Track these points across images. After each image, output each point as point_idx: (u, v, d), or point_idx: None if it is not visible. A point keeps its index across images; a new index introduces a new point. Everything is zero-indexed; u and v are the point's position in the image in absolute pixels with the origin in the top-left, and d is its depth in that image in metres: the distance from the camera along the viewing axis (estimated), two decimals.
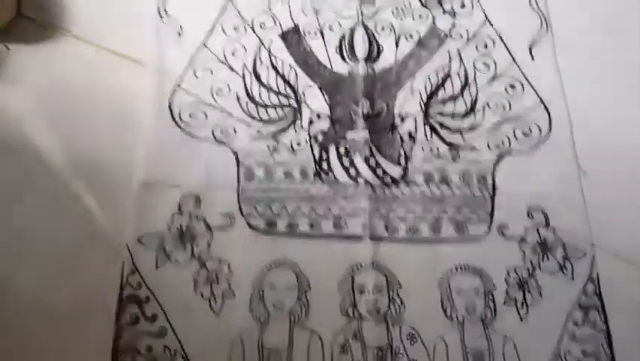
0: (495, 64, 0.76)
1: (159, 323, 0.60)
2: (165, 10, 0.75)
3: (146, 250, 0.63)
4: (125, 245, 0.63)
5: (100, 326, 0.60)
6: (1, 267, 0.61)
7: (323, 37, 0.77)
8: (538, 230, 0.68)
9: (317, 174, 0.69)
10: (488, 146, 0.72)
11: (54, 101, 0.69)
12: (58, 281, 0.62)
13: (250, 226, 0.66)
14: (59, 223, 0.64)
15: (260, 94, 0.73)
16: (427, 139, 0.72)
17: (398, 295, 0.64)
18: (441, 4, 0.79)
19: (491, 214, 0.69)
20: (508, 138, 0.73)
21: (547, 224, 0.68)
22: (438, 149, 0.71)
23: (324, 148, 0.71)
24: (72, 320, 0.60)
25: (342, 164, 0.70)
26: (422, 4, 0.79)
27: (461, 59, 0.76)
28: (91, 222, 0.64)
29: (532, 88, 0.75)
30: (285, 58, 0.75)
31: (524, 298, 0.64)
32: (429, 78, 0.75)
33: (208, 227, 0.65)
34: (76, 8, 0.74)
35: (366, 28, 0.77)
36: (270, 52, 0.75)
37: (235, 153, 0.69)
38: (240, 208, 0.67)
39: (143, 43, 0.73)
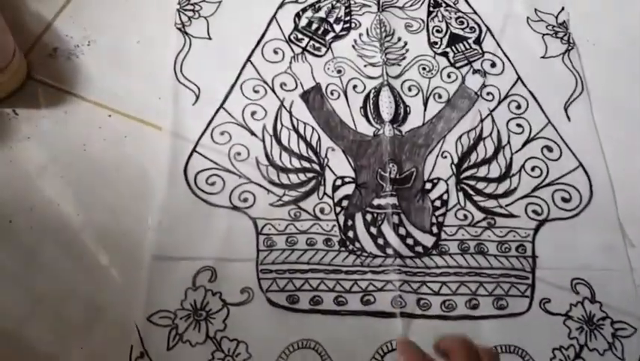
0: (530, 125, 0.74)
1: None
2: (182, 72, 0.74)
3: (157, 330, 0.60)
4: (134, 324, 0.60)
5: None
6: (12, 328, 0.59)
7: (347, 98, 0.75)
8: (583, 305, 0.64)
9: (342, 242, 0.67)
10: (526, 212, 0.69)
11: (65, 167, 0.67)
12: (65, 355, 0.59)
13: (270, 302, 0.63)
14: (71, 289, 0.62)
15: (281, 158, 0.71)
16: (460, 205, 0.69)
17: None
18: (470, 64, 0.78)
19: (532, 288, 0.65)
20: (547, 204, 0.70)
21: (594, 298, 0.65)
22: (472, 216, 0.69)
23: (349, 215, 0.68)
24: None
25: (369, 232, 0.67)
26: (450, 64, 0.78)
27: (493, 120, 0.74)
28: (99, 298, 0.61)
29: (570, 150, 0.73)
30: (306, 119, 0.74)
31: None
32: (460, 140, 0.73)
33: (224, 303, 0.62)
34: (89, 71, 0.73)
35: (391, 88, 0.76)
36: (291, 113, 0.74)
37: (254, 221, 0.67)
38: (259, 282, 0.64)
39: (159, 106, 0.72)
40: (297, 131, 0.73)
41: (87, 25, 0.77)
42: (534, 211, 0.69)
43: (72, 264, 0.63)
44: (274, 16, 0.81)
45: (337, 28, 0.81)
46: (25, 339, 0.59)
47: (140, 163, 0.68)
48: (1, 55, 0.67)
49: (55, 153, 0.68)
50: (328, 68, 0.77)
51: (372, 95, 0.76)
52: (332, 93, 0.76)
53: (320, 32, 0.80)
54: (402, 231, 0.68)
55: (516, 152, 0.73)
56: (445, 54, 0.80)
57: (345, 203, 0.69)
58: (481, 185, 0.71)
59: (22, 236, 0.63)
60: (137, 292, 0.62)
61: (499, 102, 0.76)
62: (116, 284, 0.62)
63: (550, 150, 0.73)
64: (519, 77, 0.78)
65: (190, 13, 0.79)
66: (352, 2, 0.83)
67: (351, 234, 0.68)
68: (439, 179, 0.71)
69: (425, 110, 0.75)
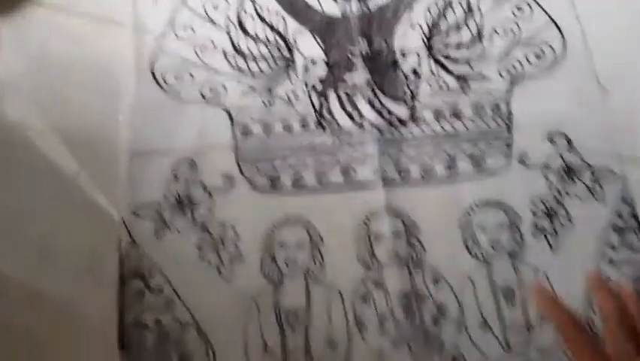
0: None
1: (166, 295, 0.61)
2: None
3: (144, 222, 0.64)
4: (120, 219, 0.63)
5: (105, 304, 0.60)
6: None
7: None
8: (561, 155, 0.68)
9: (318, 123, 0.70)
10: (500, 74, 0.72)
11: (30, 73, 0.70)
12: (53, 266, 0.62)
13: (252, 185, 0.66)
14: (46, 202, 0.65)
15: (248, 47, 0.73)
16: (433, 74, 0.72)
17: (417, 239, 0.64)
18: None
19: (509, 145, 0.68)
20: (521, 63, 0.72)
21: (571, 148, 0.68)
22: (446, 83, 0.71)
23: (323, 95, 0.71)
24: (74, 303, 0.60)
25: (344, 109, 0.70)
26: None
27: None
28: (82, 197, 0.64)
29: (541, 7, 0.75)
30: (270, 5, 0.75)
31: (553, 227, 0.65)
32: (428, 9, 0.75)
33: (207, 191, 0.66)
34: None
35: None
36: (254, 1, 0.75)
37: (227, 112, 0.69)
38: (240, 168, 0.67)
39: (119, 3, 0.73)
40: (261, 18, 0.75)
41: None
42: (508, 71, 0.72)
43: (49, 170, 0.66)
44: None
45: None
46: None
47: (105, 63, 0.71)
48: None
49: (18, 60, 0.70)
50: None
51: None
52: None
53: None
54: (377, 104, 0.70)
55: (486, 14, 0.75)
56: None
57: (317, 84, 0.72)
58: (453, 52, 0.73)
59: None
60: (119, 189, 0.65)
61: None
62: (98, 183, 0.65)
63: (520, 9, 0.75)
64: None
65: None
66: None
67: (326, 113, 0.70)
68: (409, 50, 0.73)
69: None
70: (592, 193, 0.66)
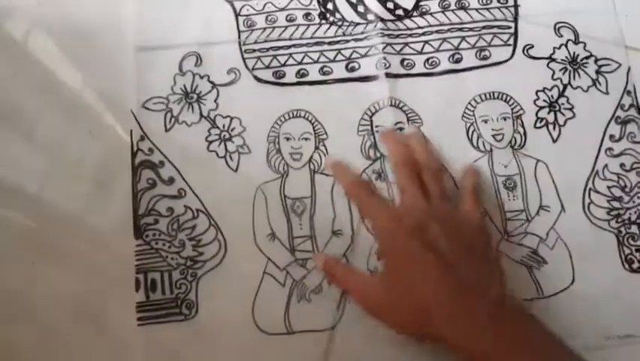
0: None
1: (177, 185, 0.63)
2: None
3: (153, 115, 0.65)
4: (130, 112, 0.64)
5: (119, 197, 0.62)
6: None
7: None
8: (567, 47, 0.67)
9: (322, 15, 0.69)
10: None
11: None
12: (69, 166, 0.64)
13: (257, 79, 0.67)
14: (58, 105, 0.66)
15: None
16: None
17: (420, 130, 0.64)
18: None
19: (515, 36, 0.68)
20: None
21: (577, 39, 0.67)
22: None
23: None
24: (90, 197, 0.63)
25: (348, 1, 0.69)
26: None
27: None
28: (89, 93, 0.65)
29: None
30: None
31: (556, 119, 0.65)
32: None
33: (213, 85, 0.66)
34: None
35: None
36: None
37: (231, 3, 0.69)
38: (244, 62, 0.67)
39: None
40: None
41: None
42: None
43: (53, 67, 0.67)
44: None
45: None
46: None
47: None
48: None
49: None
50: None
51: None
52: None
53: None
54: None
55: None
56: None
57: None
58: None
59: None
60: (125, 84, 0.66)
61: None
62: (106, 79, 0.66)
63: None
64: None
65: None
66: None
67: (330, 5, 0.69)
68: None
69: None
70: (595, 84, 0.66)
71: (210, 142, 0.65)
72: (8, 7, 0.68)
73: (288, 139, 0.65)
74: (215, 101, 0.66)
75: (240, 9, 0.69)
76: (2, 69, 0.67)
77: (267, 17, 0.69)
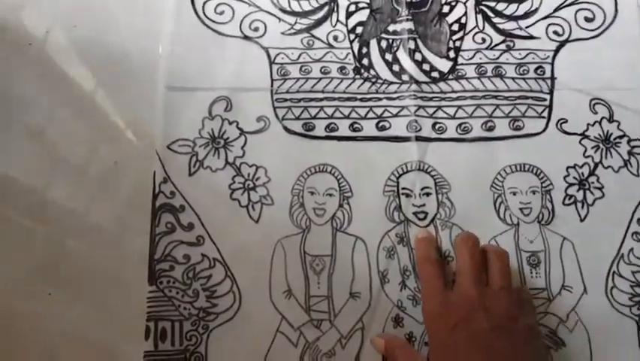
0: None
1: (196, 231, 0.59)
2: None
3: (178, 157, 0.61)
4: (155, 153, 0.60)
5: (136, 238, 0.58)
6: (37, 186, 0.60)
7: None
8: (601, 124, 0.63)
9: (357, 70, 0.65)
10: (547, 33, 0.66)
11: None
12: (89, 196, 0.60)
13: (286, 129, 0.63)
14: (83, 131, 0.62)
15: None
16: (478, 28, 0.66)
17: (447, 197, 0.60)
18: None
19: (550, 109, 0.63)
20: (569, 24, 0.66)
21: (612, 118, 0.63)
22: (491, 38, 0.66)
23: (364, 42, 0.66)
24: (107, 233, 0.59)
25: (384, 59, 0.65)
26: None
27: None
28: (117, 128, 0.61)
29: None
30: None
31: (585, 197, 0.61)
32: None
33: (241, 132, 0.62)
34: None
35: None
36: None
37: (266, 51, 0.65)
38: (275, 111, 0.63)
39: None
40: None
41: None
42: (555, 32, 0.66)
43: (84, 103, 0.63)
44: None
45: None
46: (51, 197, 0.60)
47: None
48: None
49: None
50: None
51: None
52: None
53: None
54: (418, 56, 0.65)
55: None
56: None
57: (359, 30, 0.66)
58: (500, 6, 0.67)
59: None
60: (153, 124, 0.62)
61: None
62: (133, 112, 0.62)
63: None
64: None
65: None
66: None
67: (365, 61, 0.65)
68: (457, 1, 0.67)
69: None
70: (627, 166, 0.62)
71: (234, 190, 0.60)
72: (45, 28, 0.65)
73: (312, 193, 0.61)
74: (242, 148, 0.62)
75: (275, 57, 0.65)
76: (36, 84, 0.63)
77: (301, 68, 0.65)
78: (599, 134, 0.63)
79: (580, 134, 0.63)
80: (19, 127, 0.61)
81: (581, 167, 0.62)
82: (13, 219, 0.59)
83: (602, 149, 0.62)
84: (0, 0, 0.65)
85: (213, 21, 0.66)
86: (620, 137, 0.63)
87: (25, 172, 0.60)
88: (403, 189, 0.61)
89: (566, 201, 0.61)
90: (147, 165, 0.60)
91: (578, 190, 0.61)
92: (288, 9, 0.66)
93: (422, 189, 0.61)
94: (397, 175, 0.61)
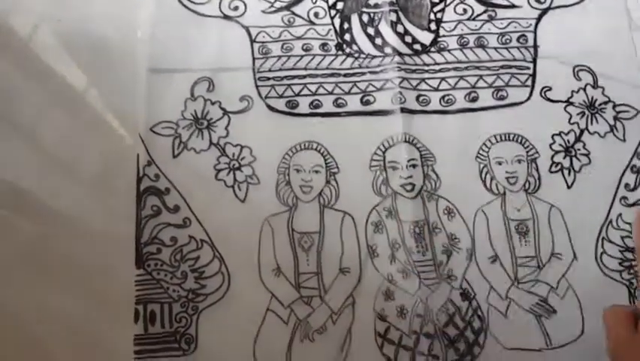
0: None
1: (182, 213, 0.58)
2: None
3: (161, 139, 0.60)
4: (137, 136, 0.59)
5: (122, 222, 0.57)
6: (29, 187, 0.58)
7: None
8: (585, 90, 0.62)
9: (339, 46, 0.64)
10: (528, 2, 0.65)
11: None
12: (73, 182, 0.59)
13: (270, 107, 0.61)
14: (67, 122, 0.61)
15: None
16: None
17: (433, 169, 0.60)
18: None
19: (533, 77, 0.62)
20: None
21: (596, 83, 0.62)
22: (472, 9, 0.64)
23: (345, 17, 0.64)
24: (93, 218, 0.57)
25: (366, 33, 0.64)
26: None
27: None
28: (100, 115, 0.60)
29: None
30: None
31: (571, 164, 0.60)
32: None
33: (225, 112, 0.61)
34: None
35: None
36: None
37: (247, 30, 0.63)
38: (258, 89, 0.62)
39: None
40: None
41: None
42: (537, 0, 0.65)
43: (64, 86, 0.62)
44: None
45: None
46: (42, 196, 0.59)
47: None
48: None
49: None
50: None
51: None
52: None
53: None
54: (400, 29, 0.64)
55: None
56: None
57: (339, 5, 0.65)
58: None
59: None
60: (136, 105, 0.60)
61: None
62: (115, 98, 0.61)
63: None
64: None
65: None
66: None
67: (347, 36, 0.64)
68: None
69: None
70: (613, 131, 0.61)
71: (219, 171, 0.59)
72: (30, 24, 0.63)
73: (298, 171, 0.60)
74: (225, 128, 0.61)
75: (256, 36, 0.64)
76: (21, 80, 0.62)
77: (282, 45, 0.63)
78: (584, 101, 0.62)
79: (564, 102, 0.62)
80: (6, 122, 0.60)
81: (566, 134, 0.61)
82: None
83: (588, 115, 0.61)
84: None
85: (192, 2, 0.64)
86: (605, 102, 0.62)
87: (11, 161, 0.59)
88: (390, 162, 0.60)
89: (553, 169, 0.60)
90: (131, 150, 0.59)
91: (564, 157, 0.60)
92: None
93: (409, 161, 0.60)
94: (383, 149, 0.60)
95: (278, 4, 0.65)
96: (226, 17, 0.64)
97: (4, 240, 0.56)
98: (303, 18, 0.64)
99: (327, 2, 0.65)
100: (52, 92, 0.62)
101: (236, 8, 0.64)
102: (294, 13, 0.65)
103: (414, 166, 0.60)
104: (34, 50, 0.63)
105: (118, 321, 0.54)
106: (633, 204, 0.59)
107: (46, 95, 0.61)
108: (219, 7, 0.64)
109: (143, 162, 0.59)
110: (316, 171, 0.60)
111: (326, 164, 0.60)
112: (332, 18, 0.65)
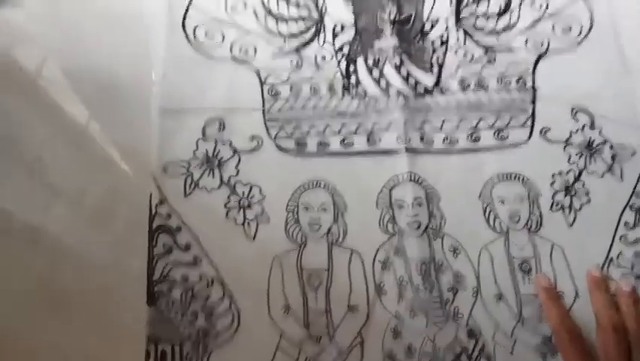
0: None
1: (193, 251, 0.56)
2: None
3: (173, 179, 0.58)
4: (150, 175, 0.58)
5: (134, 260, 0.55)
6: (30, 219, 0.57)
7: None
8: (583, 132, 0.61)
9: (345, 88, 0.63)
10: (526, 46, 0.64)
11: (66, 24, 0.64)
12: (87, 221, 0.57)
13: (279, 147, 0.60)
14: (79, 159, 0.60)
15: (278, 7, 0.65)
16: (459, 43, 0.64)
17: (438, 207, 0.58)
18: None
19: (533, 118, 0.62)
20: (547, 36, 0.65)
21: (593, 125, 0.62)
22: (472, 53, 0.64)
23: (351, 60, 0.64)
24: (105, 256, 0.56)
25: (371, 75, 0.63)
26: None
27: None
28: (112, 154, 0.59)
29: None
30: None
31: (571, 203, 0.59)
32: None
33: (235, 151, 0.60)
34: None
35: None
36: None
37: (257, 72, 0.63)
38: (267, 130, 0.61)
39: None
40: None
41: None
42: (534, 44, 0.65)
43: (78, 124, 0.60)
44: None
45: None
46: (44, 227, 0.57)
47: (137, 18, 0.63)
48: None
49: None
50: None
51: None
52: None
53: None
54: (403, 71, 0.63)
55: None
56: None
57: (346, 49, 0.65)
58: (480, 22, 0.66)
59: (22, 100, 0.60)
60: (148, 146, 0.59)
61: None
62: (128, 139, 0.60)
63: None
64: None
65: None
66: None
67: (353, 78, 0.64)
68: (438, 18, 0.66)
69: None
70: (611, 171, 0.60)
71: (229, 209, 0.58)
72: (40, 58, 0.62)
73: (307, 209, 0.58)
74: (236, 167, 0.59)
75: (266, 78, 0.63)
76: (30, 117, 0.60)
77: (291, 87, 0.63)
78: (582, 142, 0.61)
79: (563, 142, 0.61)
80: (17, 159, 0.59)
81: (566, 173, 0.60)
82: (12, 244, 0.56)
83: (586, 155, 0.61)
84: None
85: (205, 45, 0.63)
86: (603, 143, 0.61)
87: (23, 199, 0.57)
88: (396, 200, 0.59)
89: (554, 208, 0.59)
90: (143, 188, 0.58)
91: (564, 196, 0.59)
92: (277, 31, 0.64)
93: (415, 199, 0.58)
94: (390, 187, 0.59)
95: (287, 48, 0.64)
96: (236, 60, 0.63)
97: (17, 275, 0.55)
98: (310, 61, 0.64)
99: (333, 46, 0.64)
100: (63, 128, 0.61)
101: (246, 52, 0.63)
102: (302, 56, 0.64)
103: (420, 204, 0.58)
104: (42, 85, 0.62)
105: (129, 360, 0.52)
106: (634, 243, 0.58)
107: (56, 131, 0.60)
108: (230, 50, 0.63)
109: (156, 200, 0.57)
110: (324, 210, 0.58)
111: (334, 202, 0.59)
112: (338, 61, 0.64)
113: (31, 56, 0.62)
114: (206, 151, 0.60)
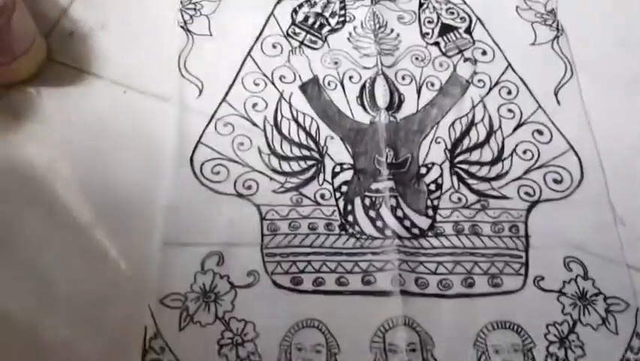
0: (520, 110, 0.71)
1: None
2: (186, 68, 0.72)
3: (169, 311, 0.58)
4: (147, 307, 0.57)
5: None
6: (26, 320, 0.57)
7: (343, 88, 0.73)
8: (577, 282, 0.61)
9: (342, 226, 0.64)
10: (519, 194, 0.66)
11: (82, 144, 0.67)
12: (80, 341, 0.57)
13: (275, 283, 0.60)
14: (82, 278, 0.60)
15: (282, 147, 0.68)
16: (454, 189, 0.66)
17: (432, 354, 0.57)
18: (461, 52, 0.75)
19: (526, 266, 0.62)
20: (539, 185, 0.67)
21: (586, 275, 0.62)
22: (466, 198, 0.66)
23: (349, 200, 0.66)
24: None
25: (368, 216, 0.65)
26: (442, 53, 0.75)
27: (485, 106, 0.71)
28: (114, 279, 0.59)
29: (560, 133, 0.70)
30: (305, 109, 0.71)
31: (566, 356, 0.58)
32: (453, 126, 0.71)
33: (232, 286, 0.60)
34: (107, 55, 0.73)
35: (386, 77, 0.73)
36: (290, 104, 0.71)
37: (258, 208, 0.64)
38: (265, 265, 0.61)
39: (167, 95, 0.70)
40: (296, 121, 0.70)
41: (100, 10, 0.76)
42: (526, 193, 0.67)
43: (87, 246, 0.61)
44: (272, 13, 0.78)
45: (333, 21, 0.78)
46: (40, 331, 0.57)
47: (150, 145, 0.67)
48: (24, 39, 0.68)
49: (72, 129, 0.68)
50: (325, 60, 0.75)
51: (367, 85, 0.73)
52: (329, 84, 0.73)
53: (316, 26, 0.77)
54: (399, 213, 0.65)
55: (507, 136, 0.70)
56: (436, 44, 0.77)
57: (344, 188, 0.67)
58: (474, 169, 0.68)
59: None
60: (149, 277, 0.60)
61: (490, 89, 0.73)
62: (129, 270, 0.60)
63: (540, 133, 0.70)
64: (509, 64, 0.74)
65: (192, 12, 0.77)
66: None
67: (350, 218, 0.65)
68: (433, 163, 0.68)
69: (419, 97, 0.72)
70: (605, 324, 0.60)
71: (222, 346, 0.57)
72: (46, 165, 0.65)
73: (300, 350, 0.57)
74: (232, 302, 0.59)
75: (266, 213, 0.64)
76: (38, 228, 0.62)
77: (290, 224, 0.64)
78: (576, 292, 0.61)
79: (557, 291, 0.61)
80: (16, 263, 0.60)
81: (560, 324, 0.59)
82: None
83: (580, 306, 0.60)
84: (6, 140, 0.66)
85: (210, 180, 0.66)
86: (596, 294, 0.61)
87: (19, 306, 0.58)
88: (390, 345, 0.58)
89: (548, 360, 0.58)
90: (139, 320, 0.57)
91: (559, 348, 0.58)
92: (279, 169, 0.67)
93: (408, 345, 0.57)
94: (384, 330, 0.59)
95: (288, 185, 0.66)
96: (240, 195, 0.65)
97: None
98: (310, 199, 0.66)
99: (332, 185, 0.66)
100: (74, 247, 0.61)
101: (249, 187, 0.65)
102: (301, 194, 0.66)
103: (413, 350, 0.57)
104: (49, 185, 0.64)
105: None
106: None
107: (66, 251, 0.61)
108: (234, 186, 0.65)
109: (150, 334, 0.57)
110: (317, 351, 0.57)
111: (327, 343, 0.58)
112: (337, 200, 0.66)
113: (43, 162, 0.65)
114: (204, 284, 0.60)
